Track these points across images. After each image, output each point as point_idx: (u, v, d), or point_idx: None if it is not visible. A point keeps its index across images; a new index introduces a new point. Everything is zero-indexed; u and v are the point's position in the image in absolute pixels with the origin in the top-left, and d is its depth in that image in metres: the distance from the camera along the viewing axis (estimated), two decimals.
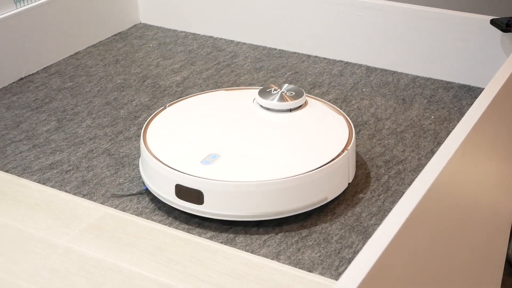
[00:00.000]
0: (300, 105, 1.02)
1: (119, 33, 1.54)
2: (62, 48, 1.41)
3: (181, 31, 1.54)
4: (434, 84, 1.29)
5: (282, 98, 1.01)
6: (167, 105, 1.05)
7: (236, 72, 1.35)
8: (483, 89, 1.25)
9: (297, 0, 1.39)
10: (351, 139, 0.93)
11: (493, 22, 1.22)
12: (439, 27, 1.28)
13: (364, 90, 1.27)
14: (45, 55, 1.37)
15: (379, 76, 1.33)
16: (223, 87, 1.28)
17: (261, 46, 1.46)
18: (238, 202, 0.86)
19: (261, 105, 1.02)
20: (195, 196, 0.86)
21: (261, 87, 1.04)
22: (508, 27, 1.19)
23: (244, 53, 1.43)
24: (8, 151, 1.10)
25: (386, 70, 1.35)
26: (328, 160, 0.88)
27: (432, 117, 1.18)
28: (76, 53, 1.44)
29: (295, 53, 1.43)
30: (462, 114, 1.19)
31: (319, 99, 1.06)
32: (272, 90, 1.03)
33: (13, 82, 1.32)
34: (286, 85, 1.04)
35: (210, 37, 1.51)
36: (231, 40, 1.49)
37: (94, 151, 1.10)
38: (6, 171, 1.05)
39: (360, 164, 1.05)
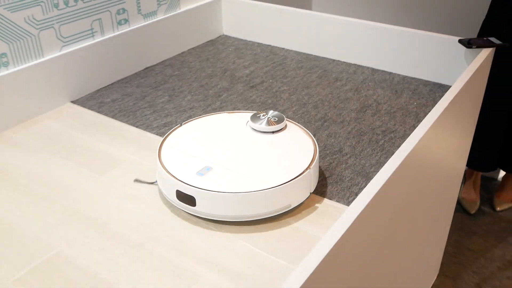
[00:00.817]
0: (281, 128, 0.94)
1: (210, 40, 1.56)
2: (173, 49, 1.44)
3: (250, 41, 1.56)
4: (417, 82, 1.29)
5: (268, 123, 0.93)
6: (183, 123, 0.98)
7: (285, 69, 1.36)
8: (450, 86, 1.26)
9: (327, 24, 1.39)
10: (315, 159, 0.86)
11: (460, 41, 1.22)
12: (422, 43, 1.27)
13: (369, 83, 1.28)
14: (162, 53, 1.41)
15: (380, 75, 1.33)
16: (275, 79, 1.30)
17: (302, 52, 1.47)
18: (221, 207, 0.80)
19: (252, 128, 0.94)
20: (190, 200, 0.81)
21: (253, 112, 0.97)
22: (469, 45, 1.19)
23: (291, 57, 1.44)
24: (137, 114, 1.13)
25: (385, 71, 1.35)
26: (294, 176, 0.81)
27: (415, 103, 1.18)
28: (182, 53, 1.46)
29: (324, 57, 1.43)
30: (435, 102, 1.19)
31: (296, 123, 0.99)
32: (261, 116, 0.95)
33: (141, 70, 1.35)
34: (271, 111, 0.96)
35: (269, 45, 1.52)
36: (283, 48, 1.50)
37: (193, 116, 1.12)
38: (136, 127, 1.09)
39: (365, 132, 1.06)
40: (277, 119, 0.95)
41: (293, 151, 0.89)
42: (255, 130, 0.94)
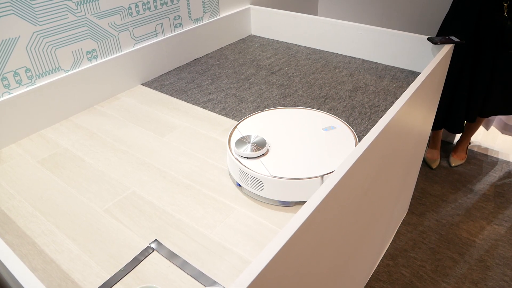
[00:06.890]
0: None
1: (241, 39, 1.53)
2: (214, 46, 1.41)
3: (271, 39, 1.53)
4: (396, 69, 1.25)
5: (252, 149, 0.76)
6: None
7: (297, 59, 1.33)
8: (420, 73, 1.21)
9: (329, 26, 1.35)
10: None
11: (428, 39, 1.17)
12: (400, 40, 1.23)
13: (360, 70, 1.24)
14: (206, 48, 1.39)
15: (368, 64, 1.29)
16: (290, 67, 1.28)
17: (310, 47, 1.44)
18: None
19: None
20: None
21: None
22: (435, 42, 1.14)
23: (301, 51, 1.41)
24: (188, 93, 1.13)
25: (371, 61, 1.31)
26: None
27: (394, 85, 1.15)
28: (220, 48, 1.45)
29: (327, 51, 1.40)
30: (409, 84, 1.15)
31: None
32: (244, 139, 0.78)
33: (191, 61, 1.34)
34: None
35: (285, 42, 1.49)
36: (295, 44, 1.47)
37: (228, 94, 1.11)
38: (187, 102, 1.08)
39: (356, 106, 1.04)
40: (259, 142, 0.79)
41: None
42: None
